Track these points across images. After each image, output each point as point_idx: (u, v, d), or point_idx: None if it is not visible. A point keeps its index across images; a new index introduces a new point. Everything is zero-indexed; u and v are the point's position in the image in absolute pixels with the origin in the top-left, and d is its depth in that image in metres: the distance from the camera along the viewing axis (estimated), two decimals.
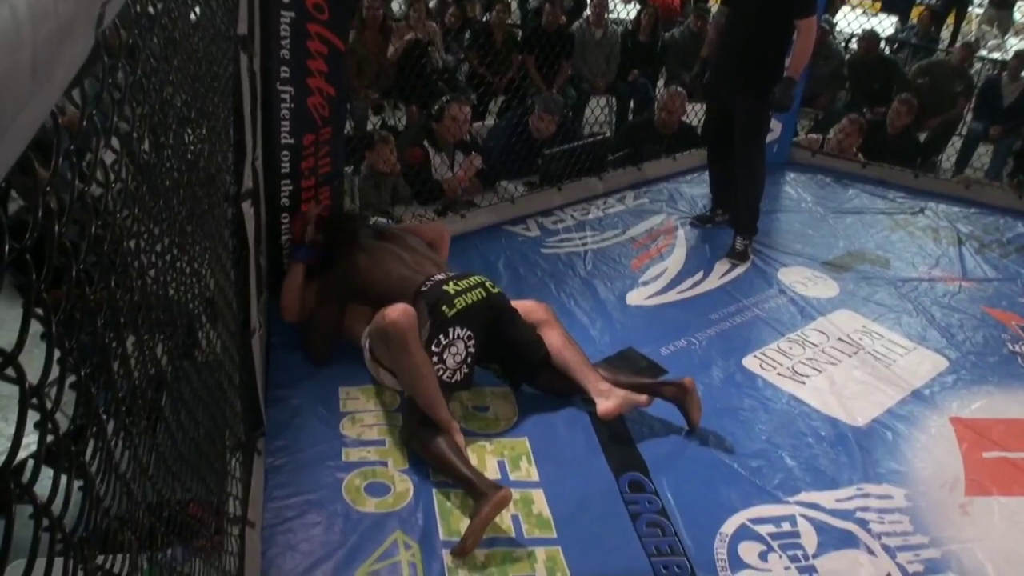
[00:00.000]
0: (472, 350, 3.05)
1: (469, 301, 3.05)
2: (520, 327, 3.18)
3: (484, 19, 7.33)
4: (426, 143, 4.82)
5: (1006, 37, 9.73)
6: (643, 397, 3.09)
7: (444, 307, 3.00)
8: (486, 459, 2.89)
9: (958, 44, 7.33)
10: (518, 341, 3.16)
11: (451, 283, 3.09)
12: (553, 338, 3.18)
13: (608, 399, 3.05)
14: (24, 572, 0.74)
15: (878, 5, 10.98)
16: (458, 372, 3.02)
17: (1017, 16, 10.56)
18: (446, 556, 2.47)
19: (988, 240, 5.10)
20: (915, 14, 10.06)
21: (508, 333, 3.15)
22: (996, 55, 8.50)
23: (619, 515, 2.70)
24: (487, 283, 3.17)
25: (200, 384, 1.76)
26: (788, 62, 4.25)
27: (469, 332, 3.03)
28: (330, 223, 3.54)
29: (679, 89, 5.97)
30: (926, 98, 6.88)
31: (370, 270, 3.24)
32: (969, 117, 7.27)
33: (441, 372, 2.95)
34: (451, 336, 3.00)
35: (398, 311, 2.91)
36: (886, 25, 9.40)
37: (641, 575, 2.50)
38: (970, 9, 11.23)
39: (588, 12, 7.37)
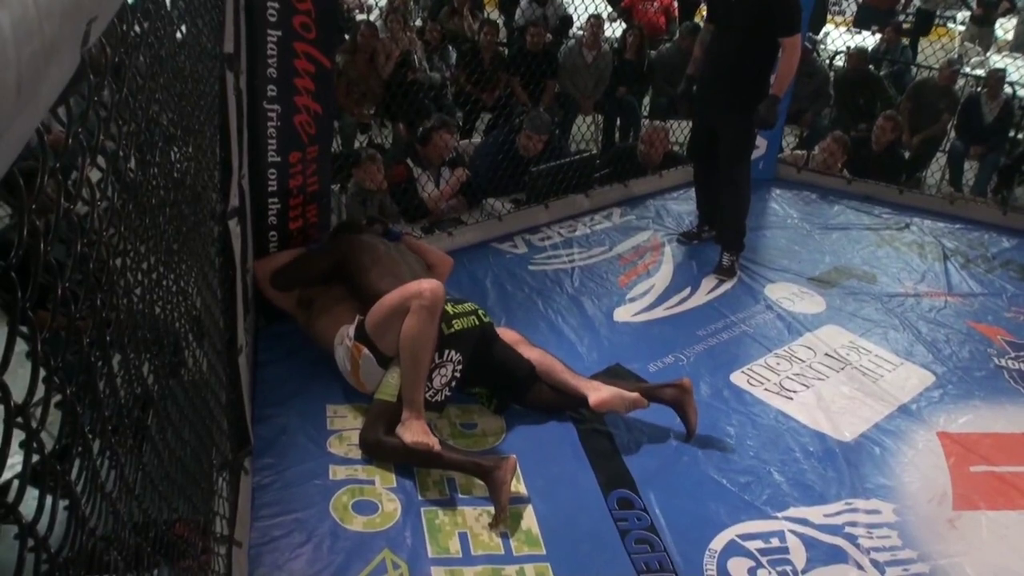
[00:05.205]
0: (458, 375, 3.06)
1: (465, 325, 3.07)
2: (504, 348, 3.21)
3: (473, 38, 7.33)
4: (409, 161, 4.83)
5: (988, 54, 9.80)
6: (637, 395, 3.08)
7: (443, 325, 3.00)
8: None
9: (940, 62, 7.36)
10: (503, 361, 3.18)
11: (449, 304, 3.09)
12: (533, 353, 3.24)
13: (600, 391, 3.07)
14: None
15: None
16: (440, 394, 3.03)
17: (999, 33, 10.65)
18: (435, 574, 2.46)
19: (973, 255, 5.13)
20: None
21: (494, 356, 3.17)
22: (980, 72, 8.55)
23: (608, 531, 2.70)
24: (480, 312, 3.19)
25: (186, 403, 1.76)
26: (773, 79, 4.28)
27: (460, 357, 3.03)
28: (339, 227, 3.71)
29: (663, 125, 5.98)
30: (915, 115, 6.95)
31: (370, 269, 3.21)
32: (952, 134, 7.32)
33: (426, 390, 2.95)
34: (444, 357, 3.00)
35: (435, 283, 2.99)
36: (870, 43, 9.45)
37: None
38: (952, 26, 11.33)
39: (583, 33, 7.33)
